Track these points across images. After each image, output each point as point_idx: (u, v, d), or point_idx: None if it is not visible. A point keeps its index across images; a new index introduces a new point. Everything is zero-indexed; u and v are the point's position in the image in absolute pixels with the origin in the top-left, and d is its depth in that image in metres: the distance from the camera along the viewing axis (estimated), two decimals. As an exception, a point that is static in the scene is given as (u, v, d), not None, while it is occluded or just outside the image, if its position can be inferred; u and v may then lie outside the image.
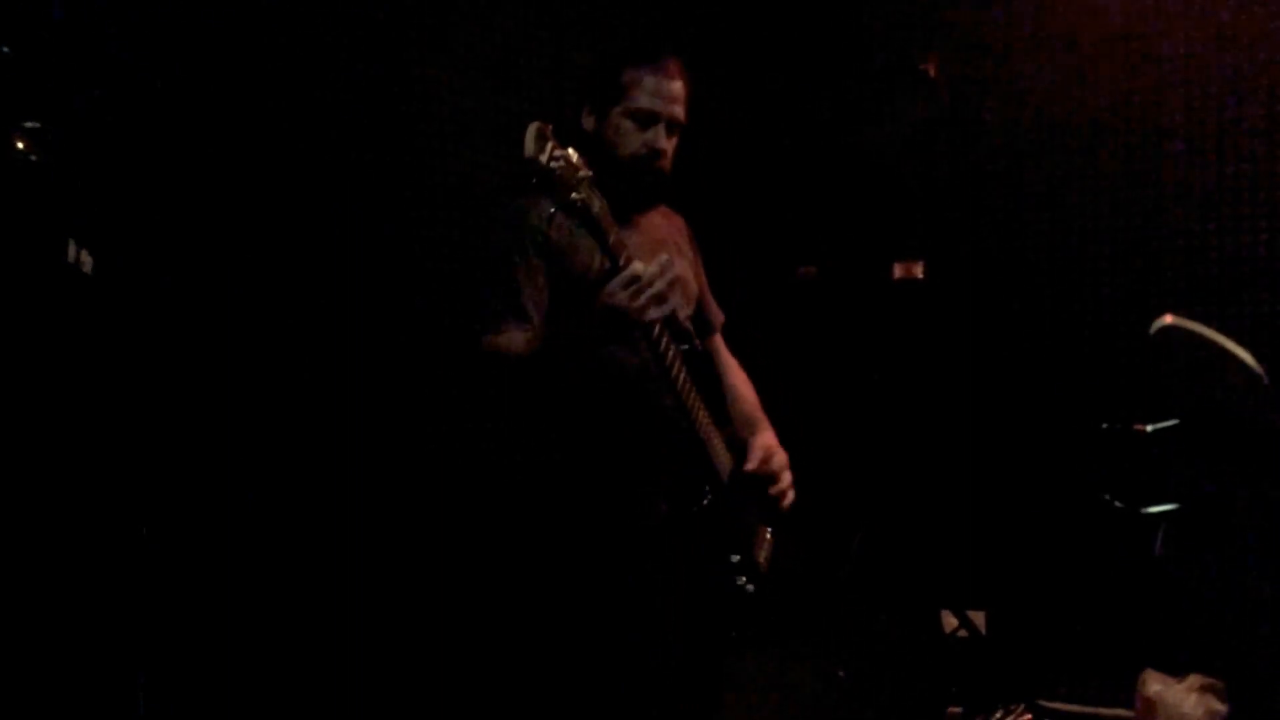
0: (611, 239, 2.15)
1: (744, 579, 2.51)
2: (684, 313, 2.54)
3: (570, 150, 2.06)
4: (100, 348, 2.57)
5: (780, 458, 2.63)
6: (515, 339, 2.33)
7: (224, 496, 2.83)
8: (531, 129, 2.01)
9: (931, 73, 3.97)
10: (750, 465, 2.57)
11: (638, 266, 2.16)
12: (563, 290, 2.37)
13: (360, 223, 3.08)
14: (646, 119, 2.40)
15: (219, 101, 2.85)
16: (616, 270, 2.16)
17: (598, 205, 2.11)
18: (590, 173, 2.08)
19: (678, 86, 2.42)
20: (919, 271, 4.03)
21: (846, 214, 4.22)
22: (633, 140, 2.39)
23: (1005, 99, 4.09)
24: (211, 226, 2.83)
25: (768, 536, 2.63)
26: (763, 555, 2.59)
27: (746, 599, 2.51)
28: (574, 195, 2.06)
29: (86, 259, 2.45)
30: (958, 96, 4.08)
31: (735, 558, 2.50)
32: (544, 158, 2.01)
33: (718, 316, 2.76)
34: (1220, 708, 3.34)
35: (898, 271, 4.06)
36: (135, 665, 2.56)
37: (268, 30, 2.94)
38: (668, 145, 2.43)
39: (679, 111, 2.43)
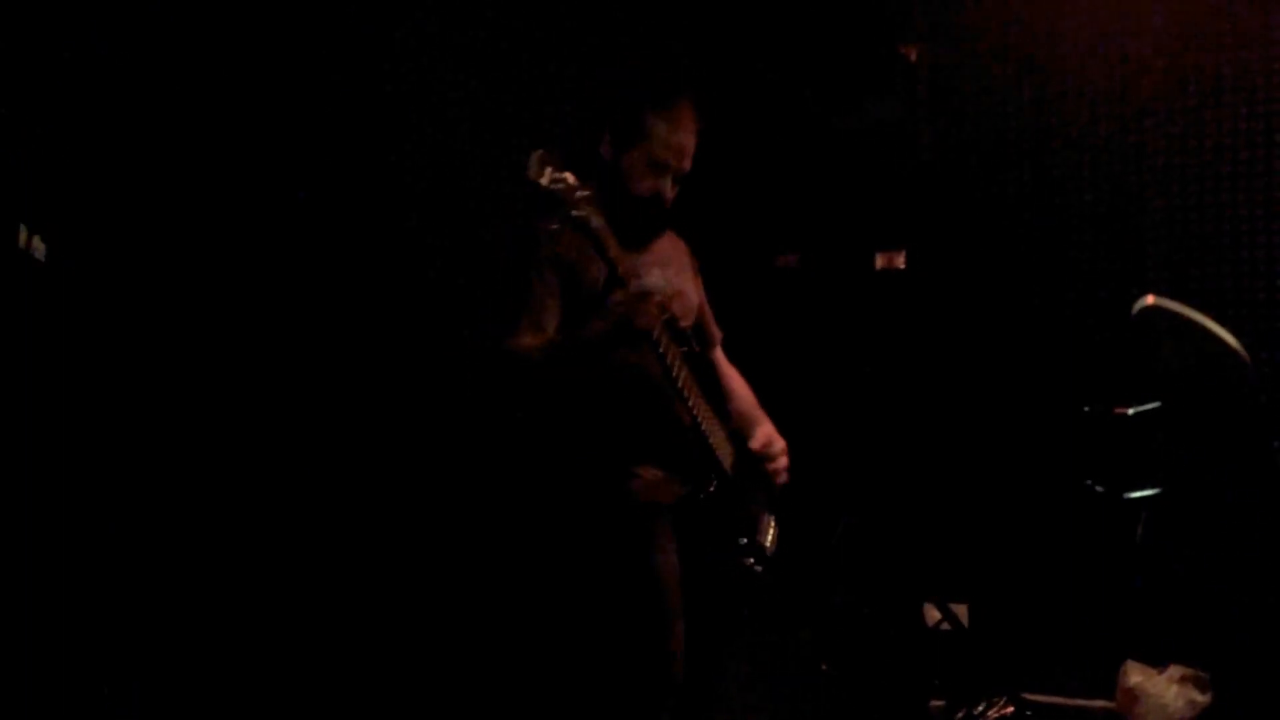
0: (611, 251, 2.43)
1: (751, 560, 2.73)
2: (684, 322, 2.76)
3: (568, 174, 2.36)
4: (53, 337, 2.53)
5: (779, 444, 2.86)
6: (531, 345, 2.56)
7: (200, 490, 2.80)
8: (534, 156, 2.34)
9: (912, 59, 3.96)
10: (754, 445, 2.81)
11: (642, 279, 2.46)
12: (574, 302, 2.60)
13: (331, 208, 3.08)
14: (660, 168, 2.65)
15: (177, 86, 2.82)
16: (617, 276, 2.45)
17: (595, 221, 2.39)
18: (588, 192, 2.38)
19: (690, 141, 2.68)
20: (901, 261, 4.04)
21: (828, 203, 4.22)
22: (644, 182, 2.65)
23: (986, 87, 4.07)
24: (170, 214, 2.79)
25: (771, 523, 2.82)
26: (768, 540, 2.79)
27: (755, 579, 2.73)
28: (574, 212, 2.36)
29: (39, 245, 2.43)
30: (939, 84, 4.07)
31: (743, 540, 2.72)
32: (544, 180, 2.34)
33: (717, 333, 2.99)
34: (1201, 698, 3.34)
35: (880, 261, 4.08)
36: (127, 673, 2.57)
37: (228, 17, 2.92)
38: (671, 193, 2.70)
39: (687, 165, 2.70)
